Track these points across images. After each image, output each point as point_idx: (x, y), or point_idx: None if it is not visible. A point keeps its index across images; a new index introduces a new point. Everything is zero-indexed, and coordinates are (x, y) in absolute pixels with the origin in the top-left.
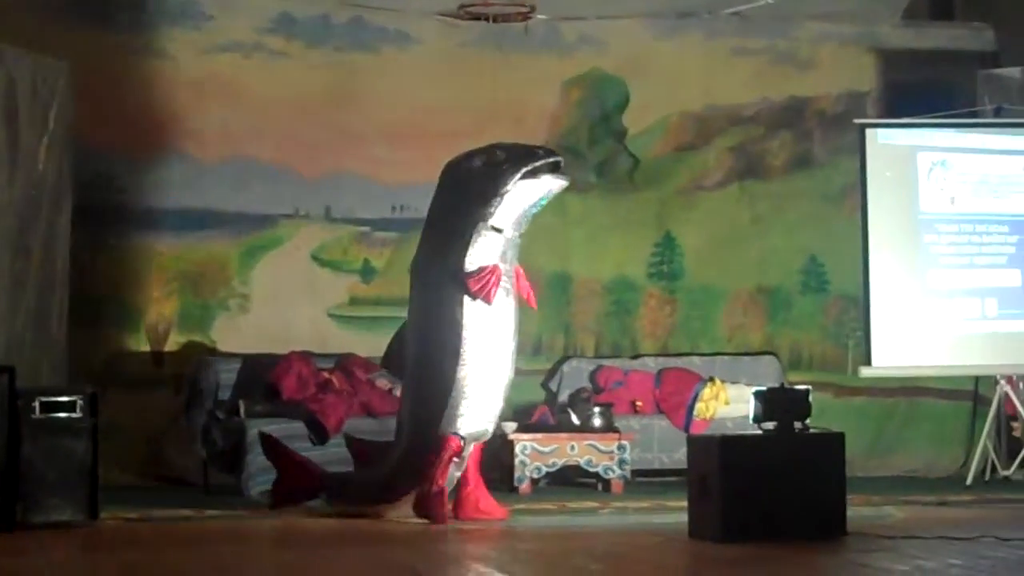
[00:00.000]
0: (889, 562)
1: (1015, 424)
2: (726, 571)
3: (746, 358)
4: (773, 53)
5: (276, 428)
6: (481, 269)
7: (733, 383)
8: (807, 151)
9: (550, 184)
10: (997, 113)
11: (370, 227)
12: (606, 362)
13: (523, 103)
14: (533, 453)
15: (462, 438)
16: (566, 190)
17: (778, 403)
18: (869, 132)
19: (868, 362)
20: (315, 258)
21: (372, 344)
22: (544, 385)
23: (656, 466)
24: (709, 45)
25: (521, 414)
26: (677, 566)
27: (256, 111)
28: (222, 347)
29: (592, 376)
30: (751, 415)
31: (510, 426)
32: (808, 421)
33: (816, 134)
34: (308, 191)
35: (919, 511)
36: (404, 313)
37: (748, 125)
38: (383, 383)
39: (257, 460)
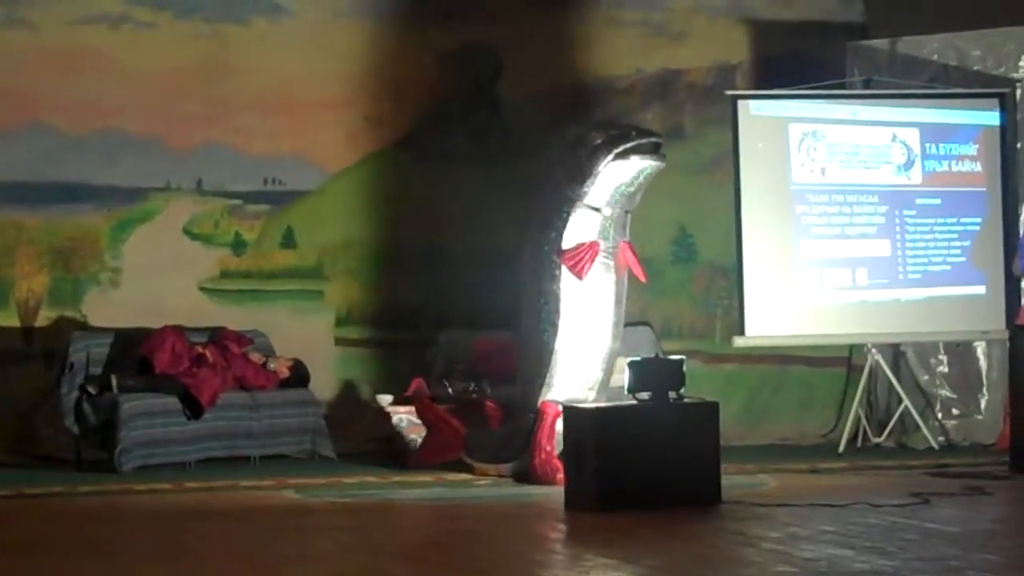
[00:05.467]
0: (763, 529)
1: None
2: (602, 540)
3: None
4: (647, 25)
5: (149, 403)
6: (578, 245)
7: None
8: (678, 123)
9: (641, 165)
10: (866, 85)
11: (242, 200)
12: (483, 333)
13: (397, 74)
14: (410, 425)
15: (560, 405)
16: (437, 163)
17: (652, 373)
18: (741, 104)
19: (741, 332)
20: (186, 231)
21: (243, 318)
22: (421, 356)
23: None
24: (583, 16)
25: (397, 386)
26: (553, 537)
27: (124, 83)
28: (93, 322)
29: (469, 347)
30: (625, 385)
31: (386, 398)
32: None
33: (687, 106)
34: (179, 164)
35: (792, 479)
36: (276, 287)
37: (622, 97)
38: (256, 356)
39: (130, 435)
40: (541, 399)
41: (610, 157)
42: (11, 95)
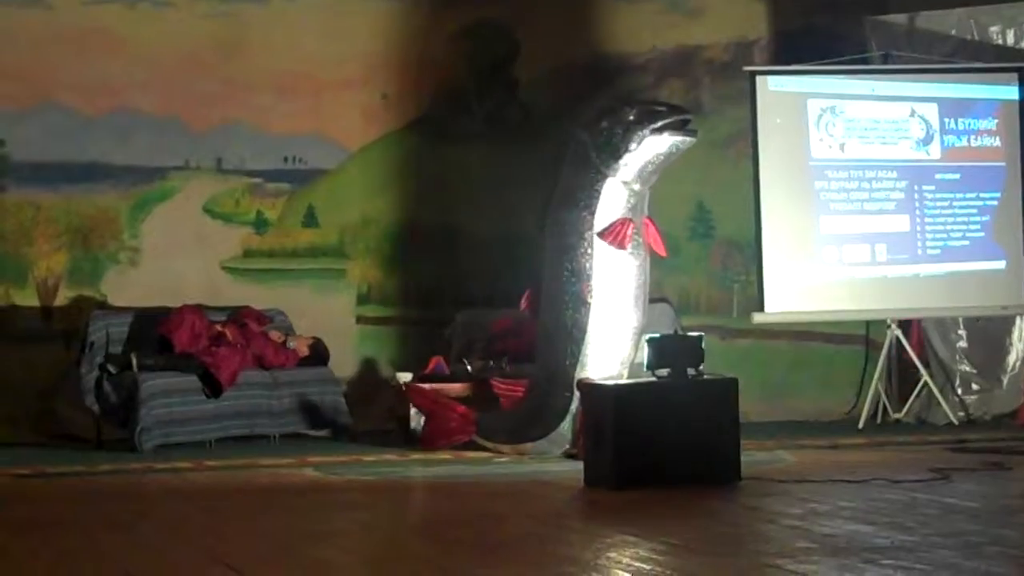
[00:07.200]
0: (782, 506)
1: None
2: (621, 517)
3: None
4: (663, 2)
5: (169, 382)
6: (613, 222)
7: None
8: (696, 99)
9: (674, 140)
10: (885, 59)
11: (262, 178)
12: (501, 312)
13: (412, 53)
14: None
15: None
16: (454, 142)
17: (671, 350)
18: (759, 79)
19: (761, 308)
20: (207, 210)
21: (265, 296)
22: (438, 335)
23: None
24: None
25: (417, 365)
26: (572, 513)
27: (142, 62)
28: (113, 301)
29: (487, 325)
30: (645, 362)
31: (404, 376)
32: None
33: (705, 82)
34: (198, 143)
35: (812, 455)
36: (297, 264)
37: (638, 74)
38: (276, 335)
39: (150, 414)
40: (576, 377)
41: (646, 132)
42: (27, 75)
